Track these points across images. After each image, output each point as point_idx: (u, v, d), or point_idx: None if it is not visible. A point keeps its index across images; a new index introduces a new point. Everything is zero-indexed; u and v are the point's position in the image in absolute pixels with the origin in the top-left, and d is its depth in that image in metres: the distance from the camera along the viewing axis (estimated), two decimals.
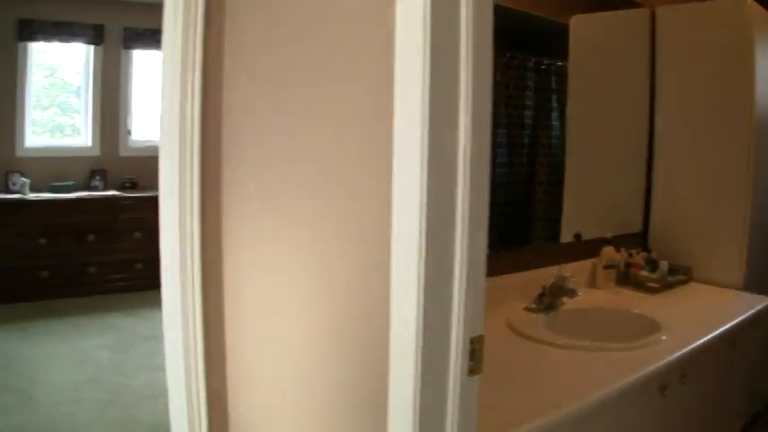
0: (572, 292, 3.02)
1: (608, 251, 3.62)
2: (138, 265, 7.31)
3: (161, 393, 4.93)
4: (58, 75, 7.75)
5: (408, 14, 1.40)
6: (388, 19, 1.52)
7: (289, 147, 1.97)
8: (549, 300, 3.02)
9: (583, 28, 3.57)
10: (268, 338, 2.12)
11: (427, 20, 1.35)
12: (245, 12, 2.10)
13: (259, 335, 2.16)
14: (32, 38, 7.16)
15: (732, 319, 3.05)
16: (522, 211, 3.45)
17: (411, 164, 1.41)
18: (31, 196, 6.88)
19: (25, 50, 7.20)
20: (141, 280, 7.29)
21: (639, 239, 4.13)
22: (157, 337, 5.91)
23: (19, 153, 7.24)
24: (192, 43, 2.10)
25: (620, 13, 3.92)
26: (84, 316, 6.35)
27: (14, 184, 7.00)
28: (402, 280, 1.47)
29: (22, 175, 7.06)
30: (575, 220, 3.68)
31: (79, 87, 7.79)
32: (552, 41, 3.49)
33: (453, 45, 1.41)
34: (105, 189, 7.48)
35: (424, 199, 1.39)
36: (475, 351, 1.51)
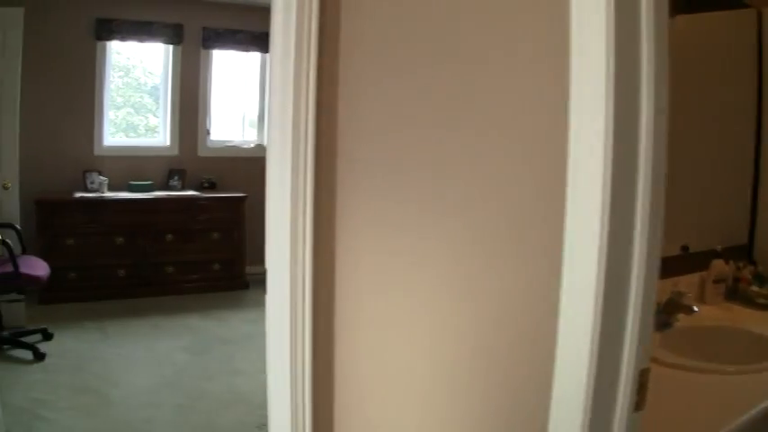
0: (689, 309, 2.76)
1: (718, 264, 3.31)
2: (216, 266, 7.19)
3: (241, 399, 4.76)
4: (132, 75, 7.70)
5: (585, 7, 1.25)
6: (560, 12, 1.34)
7: (425, 156, 1.81)
8: (663, 316, 2.77)
9: (685, 29, 3.30)
10: (384, 357, 1.98)
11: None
12: (364, 7, 1.96)
13: (373, 351, 2.02)
14: (110, 37, 7.07)
15: None
16: None
17: (590, 192, 1.28)
18: (109, 195, 6.78)
19: (103, 50, 7.12)
20: (218, 281, 7.18)
21: (744, 252, 3.83)
22: (236, 341, 5.84)
23: (97, 152, 7.14)
24: (306, 43, 1.96)
25: (723, 13, 3.62)
26: (161, 316, 6.21)
27: (92, 183, 6.89)
28: (575, 309, 1.34)
29: (101, 173, 6.97)
30: (679, 232, 3.40)
31: (153, 87, 7.74)
32: None
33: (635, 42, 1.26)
34: (183, 189, 7.36)
35: (605, 229, 1.26)
36: (642, 384, 1.36)
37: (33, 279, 5.01)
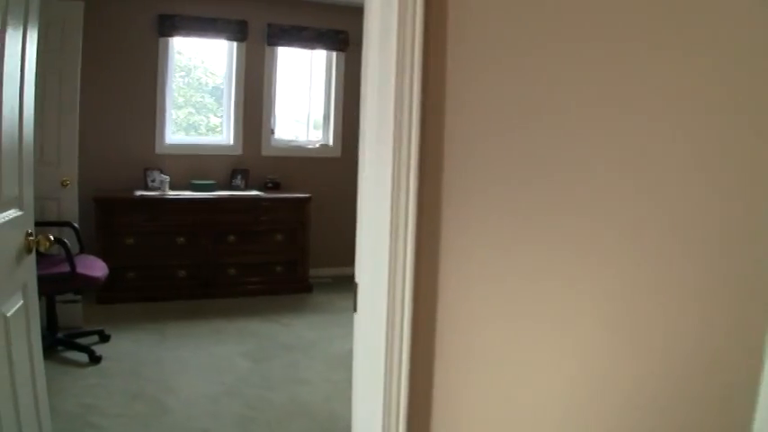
0: None
1: None
2: (279, 268, 6.86)
3: (306, 412, 4.27)
4: (193, 75, 7.45)
5: None
6: None
7: (557, 162, 1.58)
8: None
9: None
10: (495, 398, 1.74)
11: None
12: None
13: (481, 391, 1.77)
14: (173, 33, 6.81)
15: None
16: None
17: None
18: (171, 194, 6.49)
19: (166, 46, 6.86)
20: (281, 283, 6.84)
21: None
22: (299, 347, 5.41)
23: (158, 150, 6.87)
24: (409, 41, 1.71)
25: None
26: (221, 319, 5.87)
27: (153, 182, 6.63)
28: None
29: (162, 172, 6.70)
30: None
31: (214, 87, 7.46)
32: None
33: None
34: (247, 189, 7.05)
35: None
36: None
37: (90, 280, 4.71)
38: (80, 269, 4.63)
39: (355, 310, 1.87)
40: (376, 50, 1.76)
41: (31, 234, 2.46)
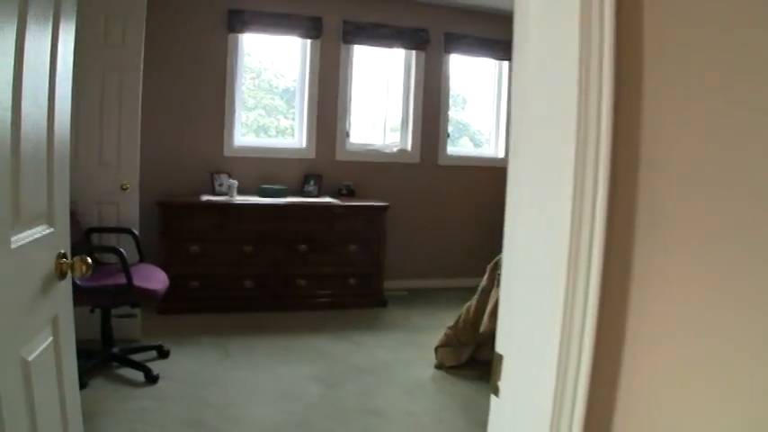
0: None
1: None
2: (351, 281, 6.29)
3: None
4: (263, 77, 6.98)
5: None
6: None
7: None
8: None
9: None
10: None
11: None
12: None
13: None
14: (243, 29, 6.34)
15: None
16: None
17: None
18: (239, 199, 6.00)
19: (236, 42, 6.39)
20: (353, 297, 6.28)
21: None
22: (373, 371, 4.55)
23: (227, 152, 6.40)
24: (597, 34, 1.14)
25: None
26: (289, 336, 5.31)
27: (221, 186, 6.15)
28: None
29: (230, 176, 6.21)
30: None
31: (284, 90, 6.98)
32: None
33: None
34: (320, 195, 6.51)
35: None
36: None
37: (148, 293, 4.21)
38: (137, 281, 4.15)
39: (495, 391, 1.31)
40: (543, 36, 1.22)
41: (64, 255, 1.94)
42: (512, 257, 1.31)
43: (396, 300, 6.59)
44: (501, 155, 7.63)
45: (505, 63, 7.54)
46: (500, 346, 1.29)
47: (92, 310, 4.39)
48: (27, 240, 1.68)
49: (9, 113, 1.55)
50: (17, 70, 1.58)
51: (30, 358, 1.71)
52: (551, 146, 1.19)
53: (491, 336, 4.59)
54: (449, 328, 4.79)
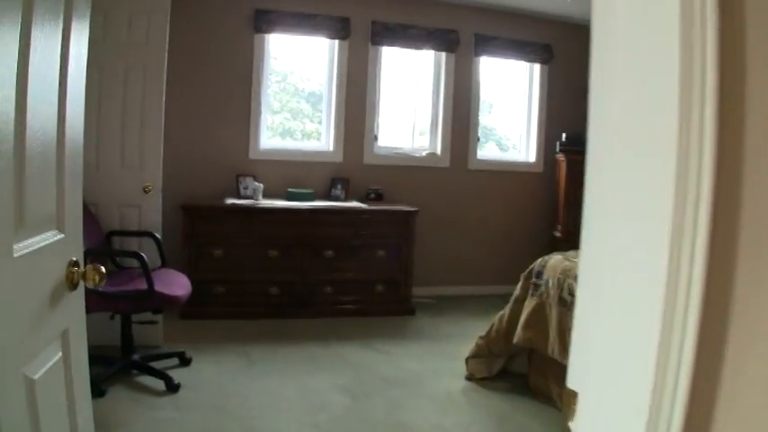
0: None
1: None
2: (379, 287, 6.09)
3: None
4: (288, 81, 6.83)
5: None
6: None
7: None
8: None
9: None
10: None
11: None
12: None
13: None
14: (270, 29, 6.19)
15: None
16: None
17: None
18: (265, 203, 5.83)
19: (262, 42, 6.24)
20: (380, 304, 6.08)
21: None
22: (402, 382, 4.20)
23: (252, 155, 6.24)
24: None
25: None
26: (315, 343, 5.13)
27: (246, 189, 5.98)
28: None
29: (256, 179, 6.05)
30: None
31: (310, 93, 6.82)
32: None
33: None
34: (347, 199, 6.33)
35: None
36: None
37: (170, 299, 4.04)
38: (159, 287, 3.99)
39: None
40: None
41: (76, 263, 1.78)
42: (591, 278, 1.10)
43: (423, 307, 6.39)
44: (532, 159, 7.43)
45: (537, 66, 7.34)
46: (574, 382, 1.10)
47: (112, 317, 4.23)
48: (33, 248, 1.51)
49: (12, 111, 1.38)
50: (21, 68, 1.41)
51: (35, 377, 1.54)
52: (646, 148, 0.99)
53: (524, 347, 4.40)
54: (480, 338, 4.58)
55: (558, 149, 7.07)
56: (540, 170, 7.44)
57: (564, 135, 6.98)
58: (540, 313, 4.17)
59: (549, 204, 7.39)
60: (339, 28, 6.38)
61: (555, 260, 4.30)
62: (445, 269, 7.01)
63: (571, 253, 4.41)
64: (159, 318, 4.69)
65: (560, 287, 4.04)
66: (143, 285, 3.92)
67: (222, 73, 6.13)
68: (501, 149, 7.68)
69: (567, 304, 3.94)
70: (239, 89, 6.18)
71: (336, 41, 6.48)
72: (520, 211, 7.35)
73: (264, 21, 6.12)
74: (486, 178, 7.16)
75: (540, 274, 4.31)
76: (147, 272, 3.90)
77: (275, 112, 6.68)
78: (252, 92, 6.22)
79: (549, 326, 4.07)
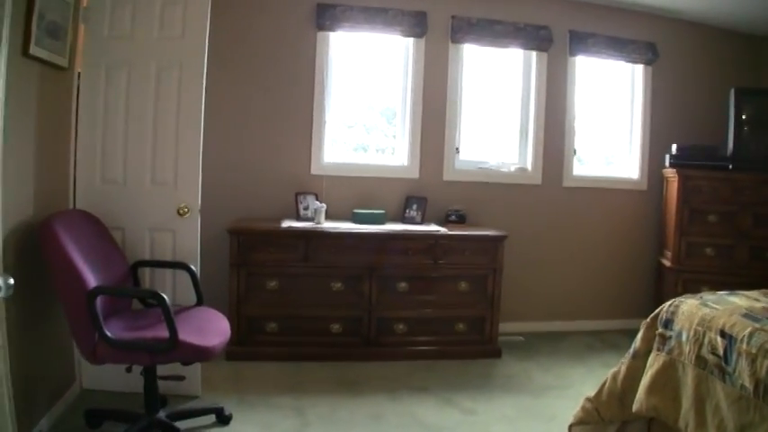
0: None
1: None
2: (461, 326, 5.09)
3: None
4: (359, 91, 5.84)
5: None
6: None
7: None
8: None
9: None
10: None
11: None
12: None
13: None
14: (335, 26, 5.32)
15: None
16: None
17: None
18: (327, 226, 4.94)
19: (325, 41, 5.39)
20: (462, 345, 5.09)
21: None
22: None
23: (315, 170, 5.38)
24: None
25: None
26: (384, 397, 4.16)
27: (306, 210, 5.12)
28: None
29: (317, 198, 5.19)
30: None
31: (386, 108, 5.88)
32: None
33: None
34: (424, 222, 5.37)
35: None
36: None
37: (198, 351, 3.12)
38: (186, 334, 3.10)
39: None
40: None
41: None
42: None
43: (510, 347, 5.39)
44: (635, 175, 6.36)
45: (639, 66, 6.28)
46: None
47: (128, 369, 3.36)
48: None
49: None
50: None
51: None
52: None
53: (646, 416, 3.38)
54: (588, 399, 3.53)
55: (667, 163, 5.98)
56: (644, 188, 6.36)
57: (674, 147, 5.89)
58: (669, 375, 3.13)
59: (654, 227, 6.30)
60: (414, 24, 5.47)
61: (689, 306, 3.25)
62: (534, 302, 5.99)
63: (710, 297, 3.37)
64: (183, 378, 3.66)
65: (699, 342, 3.01)
66: (164, 332, 3.04)
67: (279, 75, 5.29)
68: (605, 163, 6.61)
69: (707, 365, 2.91)
70: (299, 94, 5.34)
71: (411, 39, 5.56)
72: (621, 236, 6.28)
73: (328, 16, 5.26)
74: (584, 197, 6.13)
75: (669, 324, 3.27)
76: (168, 317, 3.02)
77: (349, 127, 5.79)
78: (314, 97, 5.36)
79: (681, 392, 3.04)
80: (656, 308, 3.43)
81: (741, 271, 5.59)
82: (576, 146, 6.16)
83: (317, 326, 4.83)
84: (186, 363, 3.44)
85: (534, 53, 5.90)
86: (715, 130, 6.02)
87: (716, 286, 4.47)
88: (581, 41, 5.96)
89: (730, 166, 5.69)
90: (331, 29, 5.32)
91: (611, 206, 6.23)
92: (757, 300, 3.33)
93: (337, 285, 4.84)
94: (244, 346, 4.63)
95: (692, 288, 5.10)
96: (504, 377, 4.75)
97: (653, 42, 6.19)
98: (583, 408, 3.54)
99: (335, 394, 4.19)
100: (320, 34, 5.33)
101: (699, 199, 5.70)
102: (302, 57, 5.32)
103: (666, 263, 5.91)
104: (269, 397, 4.07)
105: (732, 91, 5.75)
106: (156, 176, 3.89)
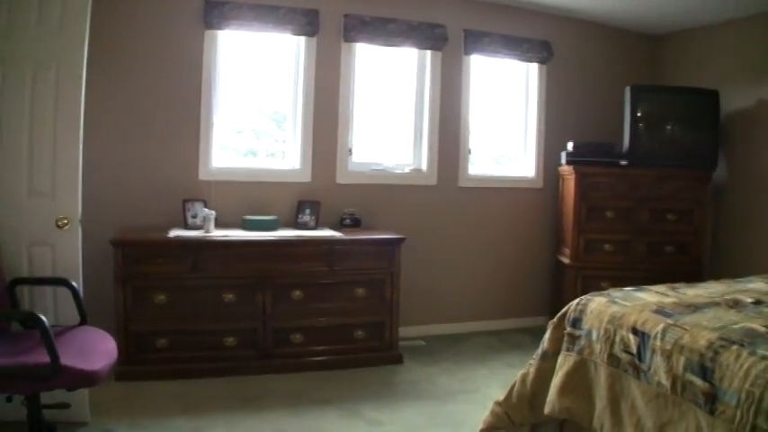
0: None
1: None
2: (360, 333, 5.18)
3: None
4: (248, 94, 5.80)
5: None
6: None
7: None
8: None
9: None
10: None
11: None
12: None
13: None
14: (223, 24, 5.28)
15: None
16: None
17: None
18: (217, 234, 4.92)
19: (213, 40, 5.35)
20: (363, 353, 5.19)
21: None
22: None
23: (203, 176, 5.34)
24: None
25: None
26: (285, 411, 4.20)
27: (195, 218, 5.10)
28: None
29: (206, 205, 5.16)
30: None
31: (275, 112, 5.91)
32: None
33: None
34: (318, 227, 5.44)
35: None
36: None
37: (82, 375, 3.06)
38: (68, 358, 3.02)
39: None
40: None
41: None
42: None
43: (412, 352, 5.52)
44: (530, 174, 6.59)
45: (534, 65, 6.51)
46: None
47: (8, 399, 3.26)
48: None
49: None
50: None
51: None
52: None
53: (559, 418, 3.51)
54: (497, 403, 3.66)
55: (563, 161, 6.22)
56: (540, 186, 6.62)
57: (570, 144, 6.13)
58: (581, 375, 3.30)
59: (551, 225, 6.57)
60: (306, 22, 5.51)
61: (597, 304, 3.42)
62: (434, 304, 6.16)
63: (617, 294, 3.54)
64: (68, 405, 3.57)
65: (610, 341, 3.16)
66: (44, 358, 2.96)
67: (165, 76, 5.22)
68: (495, 162, 6.81)
69: (620, 364, 3.07)
70: (186, 96, 5.28)
71: (303, 38, 5.61)
72: (519, 234, 6.53)
73: (216, 14, 5.23)
74: (480, 197, 6.34)
75: (577, 323, 3.42)
76: (48, 340, 2.94)
77: (238, 132, 5.77)
78: (202, 99, 5.31)
79: (594, 392, 3.21)
80: (556, 305, 3.58)
81: (640, 265, 5.92)
82: (472, 145, 6.34)
83: (210, 340, 4.82)
84: (71, 389, 3.36)
85: (429, 52, 6.05)
86: (611, 128, 6.35)
87: (615, 281, 4.73)
88: (476, 40, 6.14)
89: (626, 163, 5.98)
90: (219, 27, 5.29)
91: (507, 205, 6.46)
92: (666, 294, 3.53)
93: (229, 296, 4.83)
94: (134, 365, 4.57)
95: (591, 284, 5.38)
96: (407, 384, 4.87)
97: (547, 41, 6.45)
98: (492, 412, 3.66)
99: (234, 412, 4.19)
100: (208, 32, 5.29)
101: (596, 196, 5.98)
102: (189, 56, 5.27)
103: (565, 260, 6.16)
104: (163, 419, 4.04)
105: (627, 89, 6.05)
106: (33, 187, 3.79)
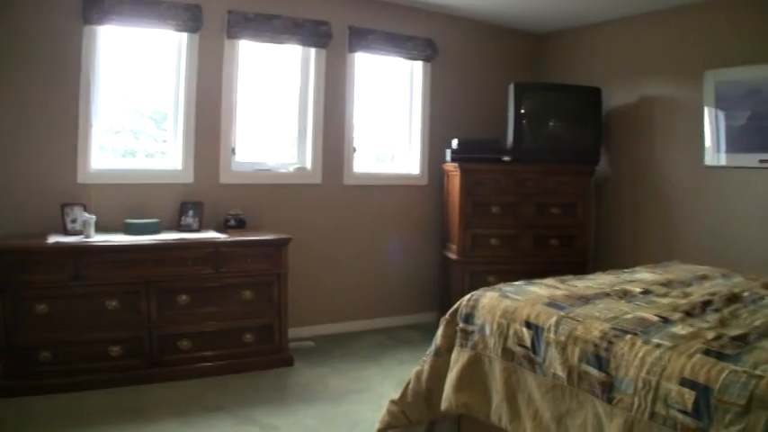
0: None
1: None
2: (248, 336, 5.27)
3: None
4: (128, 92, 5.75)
5: None
6: None
7: None
8: None
9: None
10: None
11: None
12: None
13: None
14: (103, 20, 5.22)
15: None
16: None
17: None
18: (98, 239, 4.91)
19: (92, 36, 5.29)
20: (253, 357, 5.30)
21: None
22: None
23: (81, 179, 5.27)
24: None
25: None
26: (175, 421, 4.24)
27: (74, 223, 5.05)
28: None
29: (86, 209, 5.11)
30: None
31: (154, 111, 5.90)
32: None
33: None
34: (201, 229, 5.51)
35: None
36: None
37: None
38: None
39: None
40: None
41: None
42: None
43: (302, 353, 5.66)
44: (415, 171, 6.83)
45: (419, 63, 6.73)
46: None
47: None
48: None
49: None
50: None
51: None
52: None
53: (456, 413, 3.68)
54: (392, 402, 3.82)
55: (448, 158, 6.47)
56: (425, 182, 6.88)
57: (455, 141, 6.38)
58: (476, 370, 3.50)
59: (437, 221, 6.83)
60: (188, 17, 5.54)
61: (489, 298, 3.63)
62: (323, 304, 6.33)
63: (509, 288, 3.75)
64: None
65: (504, 335, 3.37)
66: None
67: (40, 73, 5.10)
68: (377, 159, 7.00)
69: (515, 357, 3.29)
70: (63, 95, 5.19)
71: (185, 35, 5.64)
72: (405, 231, 6.79)
73: (96, 8, 5.16)
74: (365, 194, 6.55)
75: (469, 318, 3.63)
76: None
77: (115, 132, 5.72)
78: (80, 99, 5.24)
79: (490, 386, 3.43)
80: (445, 301, 3.77)
81: (526, 259, 6.29)
82: (357, 143, 6.49)
83: (94, 350, 4.81)
84: None
85: (313, 50, 6.20)
86: (497, 125, 6.67)
87: (502, 276, 5.00)
88: (361, 37, 6.32)
89: (510, 159, 6.29)
90: (99, 22, 5.23)
91: (393, 202, 6.69)
92: (556, 287, 3.78)
93: (113, 304, 4.83)
94: (17, 380, 4.51)
95: (479, 279, 5.69)
96: (299, 386, 5.02)
97: (432, 39, 6.71)
98: (388, 411, 3.82)
99: (123, 424, 4.20)
100: (87, 28, 5.23)
101: (481, 191, 6.29)
102: (67, 53, 5.17)
103: (452, 256, 6.42)
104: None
105: (511, 86, 6.37)
106: None
